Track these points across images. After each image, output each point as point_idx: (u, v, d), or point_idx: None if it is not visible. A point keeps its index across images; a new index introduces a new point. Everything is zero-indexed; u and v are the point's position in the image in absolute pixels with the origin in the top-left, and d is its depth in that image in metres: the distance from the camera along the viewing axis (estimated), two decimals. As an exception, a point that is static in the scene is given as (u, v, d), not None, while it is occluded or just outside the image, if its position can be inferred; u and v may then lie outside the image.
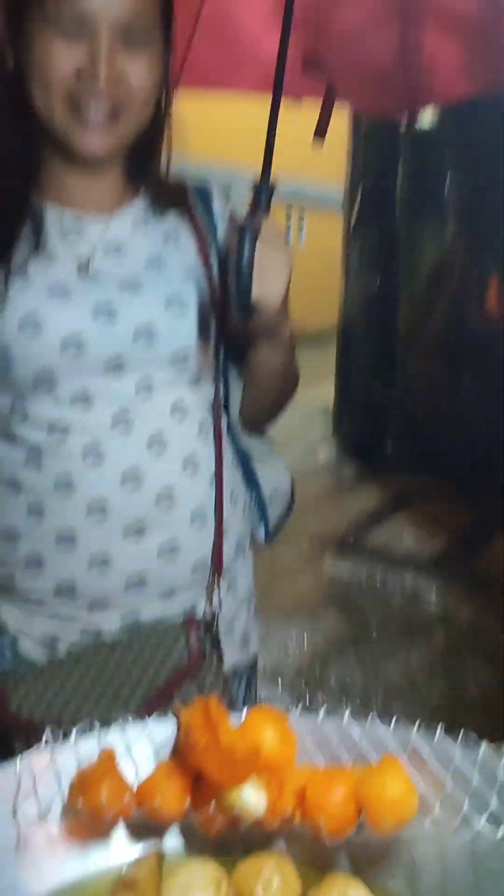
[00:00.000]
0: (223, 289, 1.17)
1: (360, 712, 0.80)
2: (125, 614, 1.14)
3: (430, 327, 4.70)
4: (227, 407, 1.26)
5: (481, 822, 0.70)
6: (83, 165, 1.11)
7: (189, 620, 1.15)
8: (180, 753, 0.78)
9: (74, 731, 0.79)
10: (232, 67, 1.45)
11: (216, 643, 1.18)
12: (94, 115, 1.04)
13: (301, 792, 0.75)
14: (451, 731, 0.77)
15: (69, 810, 0.75)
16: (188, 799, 0.75)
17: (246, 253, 1.02)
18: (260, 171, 1.08)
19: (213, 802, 0.73)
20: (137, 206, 1.17)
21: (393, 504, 4.46)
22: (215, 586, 1.20)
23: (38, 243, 1.10)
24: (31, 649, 1.16)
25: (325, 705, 0.80)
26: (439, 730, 0.77)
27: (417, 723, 0.78)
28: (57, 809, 0.75)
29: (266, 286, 1.04)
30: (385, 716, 0.78)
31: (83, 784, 0.74)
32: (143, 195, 1.18)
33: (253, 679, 1.37)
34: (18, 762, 0.76)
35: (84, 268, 1.11)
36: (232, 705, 1.13)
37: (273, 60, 1.12)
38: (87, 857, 0.76)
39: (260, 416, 1.32)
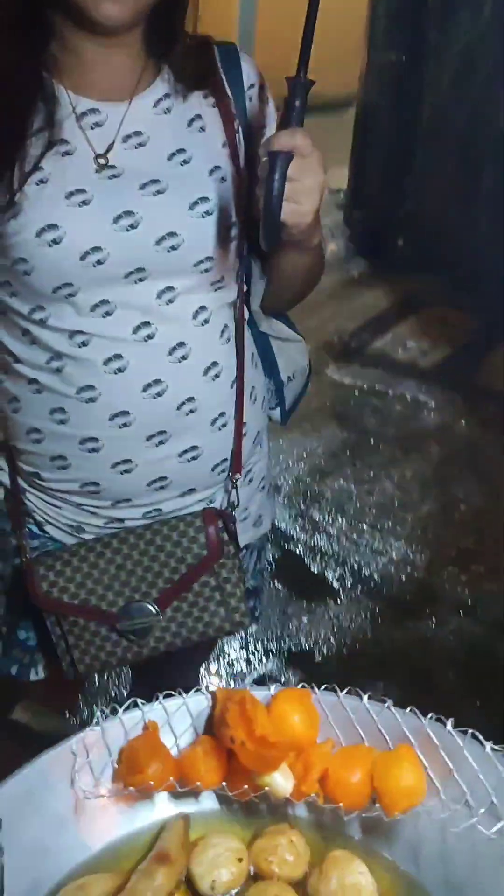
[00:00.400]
0: (251, 182, 1.09)
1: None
2: (147, 508, 1.20)
3: (455, 115, 4.35)
4: (248, 298, 1.23)
5: (479, 813, 0.81)
6: (100, 38, 1.01)
7: (208, 513, 1.18)
8: (216, 729, 0.87)
9: (121, 710, 0.87)
10: None
11: (233, 535, 1.24)
12: None
13: (324, 771, 0.85)
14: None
15: (119, 781, 0.85)
16: (224, 772, 0.86)
17: (276, 178, 0.91)
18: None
19: (245, 787, 0.83)
20: (159, 89, 1.08)
21: (398, 308, 4.40)
22: (233, 485, 1.24)
23: (52, 135, 1.02)
24: (58, 534, 1.23)
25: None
26: (450, 723, 0.86)
27: (430, 714, 0.87)
28: (108, 778, 0.86)
29: (297, 208, 0.96)
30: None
31: (131, 763, 0.84)
32: (165, 75, 1.08)
33: (263, 552, 1.46)
34: (73, 740, 0.85)
35: (103, 163, 1.04)
36: (242, 577, 1.21)
37: None
38: (135, 815, 0.87)
39: (281, 308, 1.30)
